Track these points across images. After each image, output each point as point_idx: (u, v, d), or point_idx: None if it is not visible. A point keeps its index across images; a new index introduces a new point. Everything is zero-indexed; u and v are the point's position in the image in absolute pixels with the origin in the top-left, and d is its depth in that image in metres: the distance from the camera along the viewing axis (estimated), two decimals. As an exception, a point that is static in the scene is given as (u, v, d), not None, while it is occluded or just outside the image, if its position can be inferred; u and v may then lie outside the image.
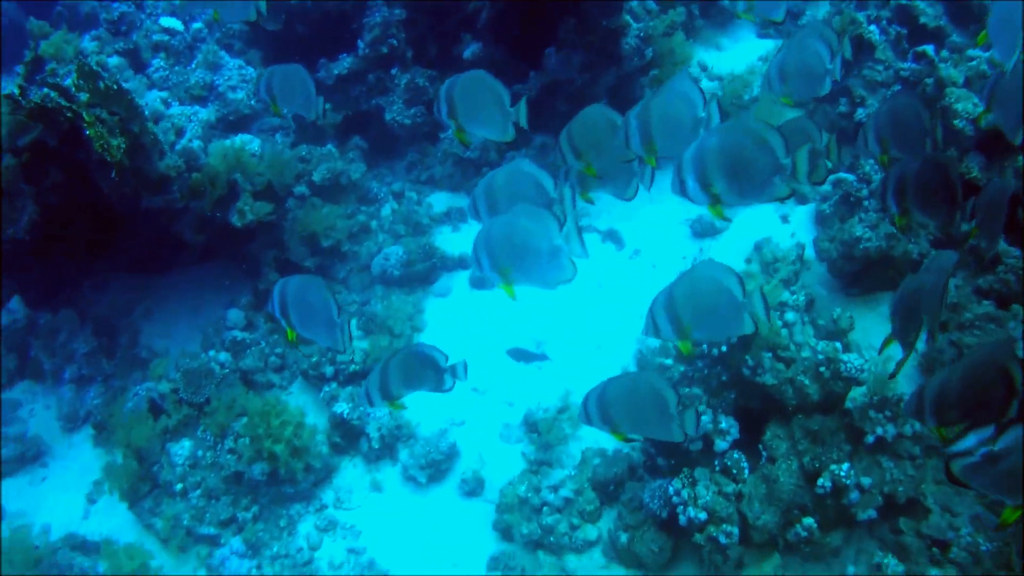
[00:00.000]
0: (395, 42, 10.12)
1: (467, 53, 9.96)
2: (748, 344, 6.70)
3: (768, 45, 10.88)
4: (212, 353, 9.01)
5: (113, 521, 8.84)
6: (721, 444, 6.72)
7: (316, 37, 10.74)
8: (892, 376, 5.93)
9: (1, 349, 10.40)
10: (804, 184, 4.55)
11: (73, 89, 8.12)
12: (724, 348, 6.81)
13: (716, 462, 6.75)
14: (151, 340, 10.11)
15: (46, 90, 8.21)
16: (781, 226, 9.01)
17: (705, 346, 6.93)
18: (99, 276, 10.60)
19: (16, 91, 8.27)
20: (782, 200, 4.59)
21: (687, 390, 6.89)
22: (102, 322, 10.19)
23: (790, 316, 6.96)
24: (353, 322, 9.30)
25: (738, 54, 10.74)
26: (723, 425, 6.74)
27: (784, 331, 6.83)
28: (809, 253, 8.35)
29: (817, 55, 5.89)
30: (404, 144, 10.45)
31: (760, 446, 6.78)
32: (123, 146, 8.05)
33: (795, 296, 7.16)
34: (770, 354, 6.66)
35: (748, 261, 8.71)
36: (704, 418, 6.71)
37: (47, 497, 9.38)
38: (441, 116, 5.47)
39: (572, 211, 5.05)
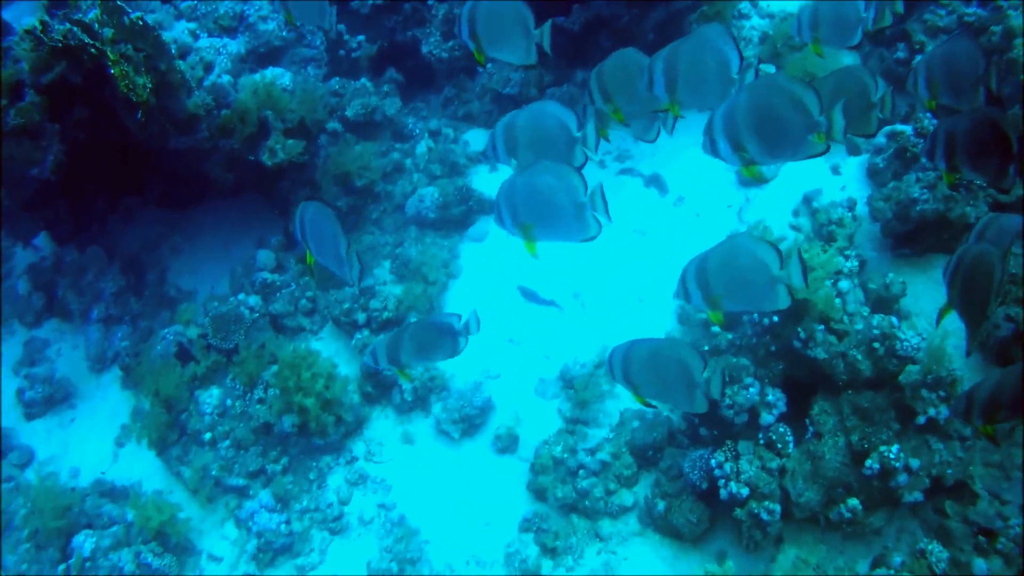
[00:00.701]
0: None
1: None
2: (800, 315, 6.47)
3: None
4: (241, 296, 8.85)
5: (141, 466, 8.81)
6: (767, 417, 6.55)
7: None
8: (968, 354, 5.60)
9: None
10: (840, 141, 4.39)
11: (96, 25, 7.82)
12: (775, 318, 6.54)
13: (760, 435, 6.55)
14: (179, 278, 9.99)
15: (68, 26, 7.91)
16: (831, 177, 8.68)
17: (756, 315, 6.68)
18: (127, 210, 10.42)
19: (38, 27, 7.97)
20: (819, 155, 4.40)
21: (734, 360, 6.67)
22: (130, 259, 10.04)
23: (844, 284, 6.70)
24: (386, 264, 9.13)
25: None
26: (770, 398, 6.56)
27: (837, 301, 6.55)
28: (860, 209, 7.98)
29: (852, 2, 5.71)
30: (441, 78, 10.14)
31: (807, 420, 6.55)
32: (149, 85, 7.83)
33: (850, 262, 6.87)
34: (822, 327, 6.43)
35: (796, 213, 8.44)
36: (752, 390, 6.50)
37: (76, 439, 9.38)
38: (461, 35, 5.32)
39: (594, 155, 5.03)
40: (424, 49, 9.88)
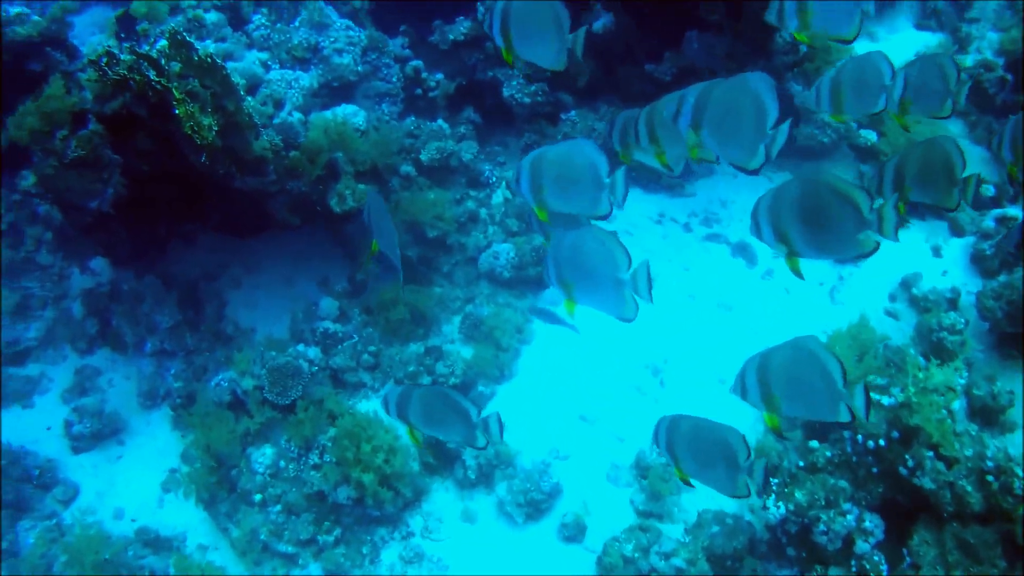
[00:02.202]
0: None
1: (597, 24, 8.95)
2: (909, 439, 5.78)
3: (926, 37, 9.67)
4: (301, 348, 8.26)
5: (187, 516, 8.28)
6: (863, 546, 5.95)
7: (438, -2, 9.75)
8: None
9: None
10: (893, 238, 4.12)
11: (163, 60, 7.22)
12: (882, 442, 5.86)
13: (853, 563, 5.87)
14: (237, 313, 9.43)
15: (133, 57, 7.33)
16: (932, 260, 8.08)
17: (860, 436, 6.01)
18: (187, 235, 9.85)
19: (104, 57, 7.39)
20: (868, 255, 4.18)
21: (832, 481, 6.00)
22: (188, 289, 9.47)
23: (956, 404, 6.00)
24: (455, 320, 8.56)
25: (894, 46, 9.48)
26: (867, 524, 5.97)
27: (948, 422, 5.84)
28: (963, 299, 7.43)
29: (877, 70, 5.46)
30: (521, 122, 9.42)
31: (905, 549, 5.88)
32: (215, 127, 7.26)
33: (963, 380, 6.17)
34: (931, 453, 5.71)
35: (893, 298, 7.80)
36: (849, 517, 5.87)
37: (122, 478, 8.88)
38: (492, 32, 5.04)
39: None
40: (505, 92, 9.22)
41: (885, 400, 6.08)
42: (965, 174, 5.17)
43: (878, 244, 4.11)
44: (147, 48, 7.77)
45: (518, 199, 8.94)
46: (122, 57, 7.47)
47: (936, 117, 5.79)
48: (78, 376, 9.61)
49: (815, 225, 4.15)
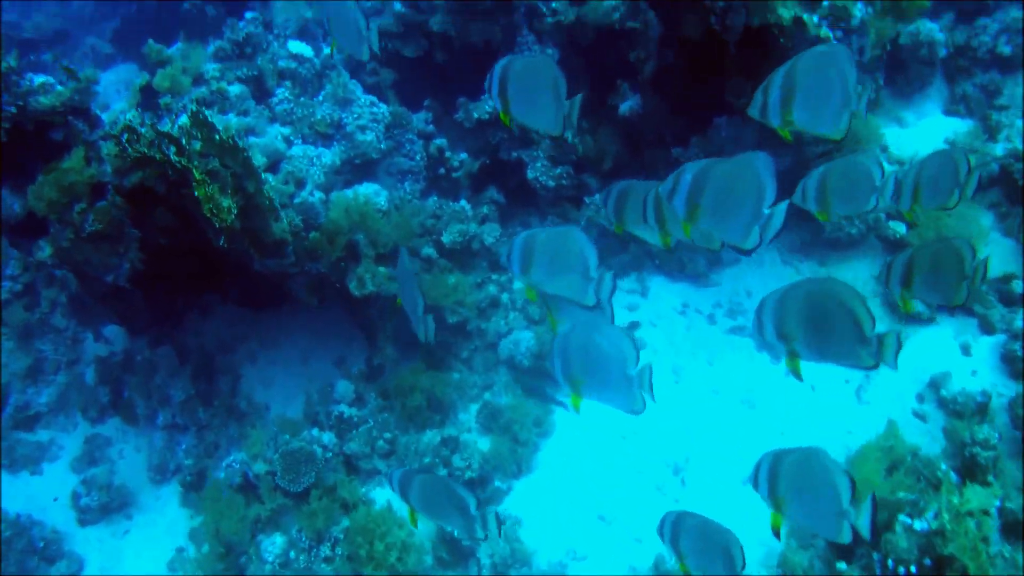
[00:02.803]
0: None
1: (624, 107, 8.67)
2: (942, 567, 5.47)
3: (955, 123, 9.35)
4: (315, 432, 7.97)
5: (194, 600, 7.91)
6: None
7: (456, 68, 9.49)
8: None
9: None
10: (892, 365, 4.13)
11: (184, 139, 6.96)
12: (913, 568, 5.54)
13: None
14: (252, 389, 9.17)
15: (154, 134, 7.09)
16: (961, 358, 7.79)
17: (890, 561, 5.70)
18: (204, 305, 9.59)
19: (125, 135, 7.16)
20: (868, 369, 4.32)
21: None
22: (203, 361, 9.20)
23: (988, 524, 5.70)
24: (472, 408, 8.31)
25: (922, 132, 9.23)
26: None
27: (983, 551, 5.54)
28: (994, 401, 7.21)
29: (866, 172, 5.39)
30: (545, 205, 9.12)
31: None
32: (235, 209, 6.99)
33: (996, 498, 5.87)
34: (966, 581, 5.42)
35: (920, 399, 7.51)
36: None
37: (129, 553, 8.66)
38: (491, 94, 4.96)
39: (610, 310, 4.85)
40: (530, 174, 8.94)
41: (917, 525, 5.76)
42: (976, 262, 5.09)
43: (877, 363, 4.09)
44: (168, 124, 7.53)
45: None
46: (142, 131, 7.25)
47: (944, 208, 5.71)
48: (88, 445, 9.40)
49: (817, 331, 4.11)
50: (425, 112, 9.48)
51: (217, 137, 7.14)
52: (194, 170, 6.93)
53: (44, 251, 8.47)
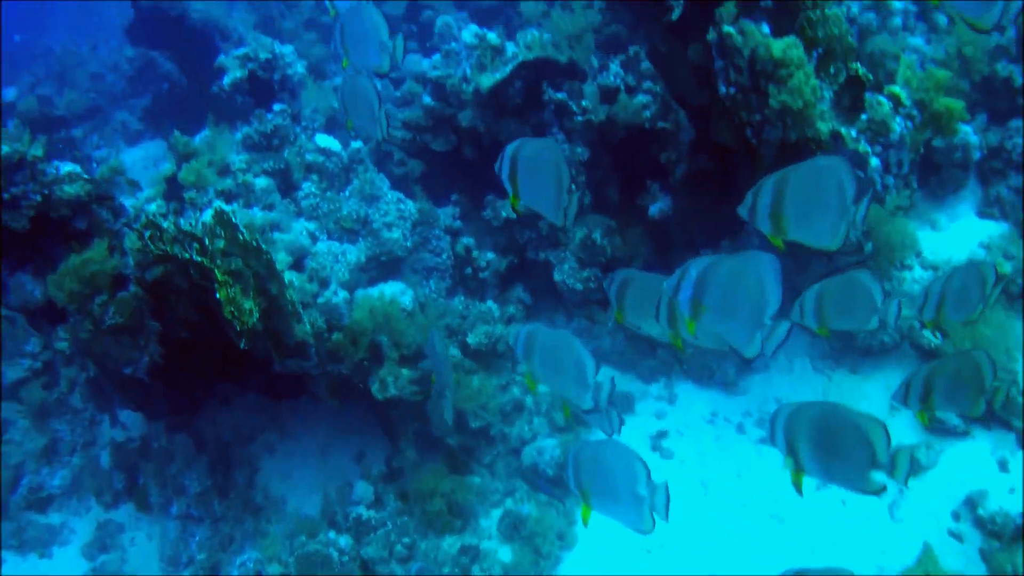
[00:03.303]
0: (573, 186, 8.51)
1: (654, 209, 8.44)
2: None
3: (989, 226, 9.04)
4: (332, 535, 7.64)
5: None
6: None
7: (485, 164, 9.23)
8: None
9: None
10: (904, 484, 4.16)
11: (208, 239, 6.75)
12: None
13: None
14: (269, 481, 8.87)
15: (177, 230, 6.89)
16: (998, 475, 7.43)
17: None
18: (223, 394, 9.33)
19: (148, 232, 6.94)
20: (875, 495, 4.04)
21: None
22: (219, 451, 8.94)
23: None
24: (495, 514, 7.86)
25: (956, 235, 8.90)
26: None
27: None
28: None
29: (866, 291, 5.28)
30: (572, 307, 8.85)
31: None
32: (256, 312, 6.75)
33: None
34: None
35: (956, 517, 7.23)
36: None
37: (134, 652, 8.18)
38: (502, 176, 4.94)
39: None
40: (557, 276, 8.69)
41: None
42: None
43: (884, 488, 4.01)
44: (192, 219, 7.31)
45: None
46: (165, 226, 7.04)
47: (969, 321, 5.60)
48: (100, 531, 9.13)
49: (826, 450, 4.00)
50: (452, 207, 9.27)
51: (241, 237, 6.94)
52: (216, 270, 6.72)
53: (62, 341, 8.29)
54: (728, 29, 6.61)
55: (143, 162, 13.32)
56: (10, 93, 12.14)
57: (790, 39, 6.47)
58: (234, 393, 9.36)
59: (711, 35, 6.82)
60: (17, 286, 8.29)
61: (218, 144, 8.68)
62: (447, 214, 9.14)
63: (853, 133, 6.83)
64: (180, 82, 12.40)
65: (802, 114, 6.41)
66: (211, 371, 8.69)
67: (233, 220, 6.93)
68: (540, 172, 4.83)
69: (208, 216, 7.25)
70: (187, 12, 11.59)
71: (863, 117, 6.99)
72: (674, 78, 7.96)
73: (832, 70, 6.87)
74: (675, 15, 7.60)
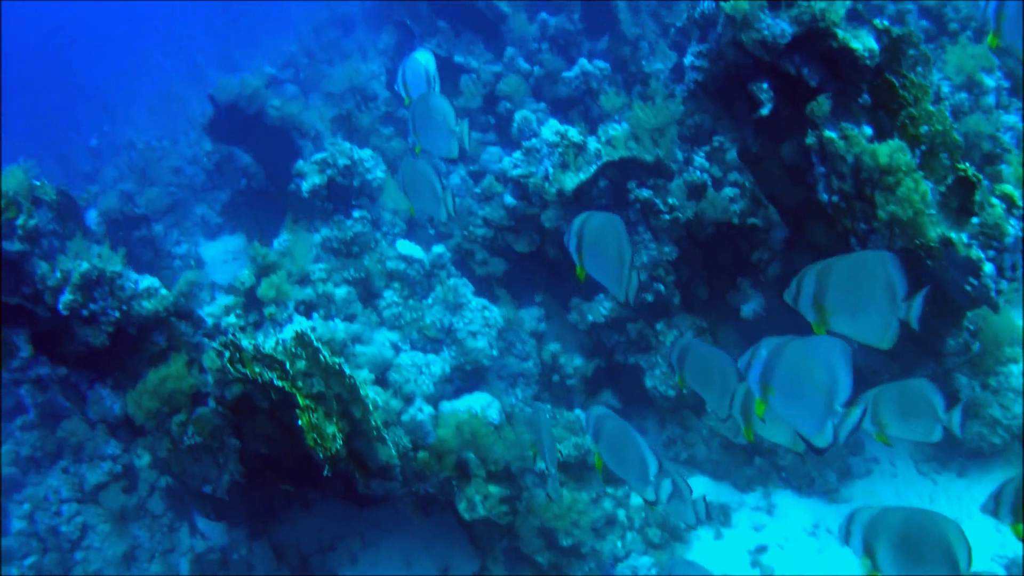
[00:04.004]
0: (662, 287, 8.09)
1: (747, 310, 7.95)
2: None
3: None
4: (415, 662, 7.18)
5: None
6: None
7: (569, 264, 8.81)
8: None
9: None
10: None
11: (288, 362, 6.38)
12: None
13: None
14: (350, 594, 8.39)
15: (255, 351, 6.55)
16: None
17: None
18: (306, 500, 8.93)
19: (227, 352, 6.60)
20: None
21: None
22: (300, 561, 8.53)
23: None
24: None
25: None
26: None
27: None
28: None
29: (924, 396, 5.09)
30: (664, 413, 8.35)
31: None
32: (340, 437, 6.35)
33: None
34: None
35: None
36: None
37: None
38: (569, 246, 4.96)
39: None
40: (648, 383, 8.18)
41: None
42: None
43: None
44: (273, 341, 6.94)
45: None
46: (244, 345, 6.70)
47: None
48: (180, 643, 8.71)
49: (907, 557, 3.90)
50: (536, 308, 8.84)
51: (322, 359, 6.57)
52: (298, 395, 6.35)
53: (142, 459, 8.00)
54: (829, 134, 6.14)
55: (223, 256, 13.11)
56: (93, 190, 12.00)
57: (895, 143, 5.99)
58: (315, 498, 8.98)
59: (810, 139, 6.36)
60: (96, 400, 8.03)
61: (297, 249, 8.37)
62: (531, 316, 8.72)
63: (964, 238, 6.28)
64: (258, 176, 12.17)
65: (912, 223, 5.91)
66: (294, 475, 8.35)
67: (314, 343, 6.56)
68: (603, 245, 4.76)
69: (289, 335, 6.90)
70: (264, 109, 11.36)
71: (974, 220, 6.45)
72: (766, 177, 7.51)
73: (938, 169, 6.37)
74: (765, 111, 7.17)
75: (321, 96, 14.35)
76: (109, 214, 11.71)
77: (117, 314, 7.50)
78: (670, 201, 8.32)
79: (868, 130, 6.30)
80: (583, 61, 10.60)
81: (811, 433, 3.98)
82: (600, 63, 10.63)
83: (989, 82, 9.05)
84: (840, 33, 6.46)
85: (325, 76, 15.23)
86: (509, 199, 8.88)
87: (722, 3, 6.56)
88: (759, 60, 6.68)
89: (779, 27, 6.39)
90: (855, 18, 6.74)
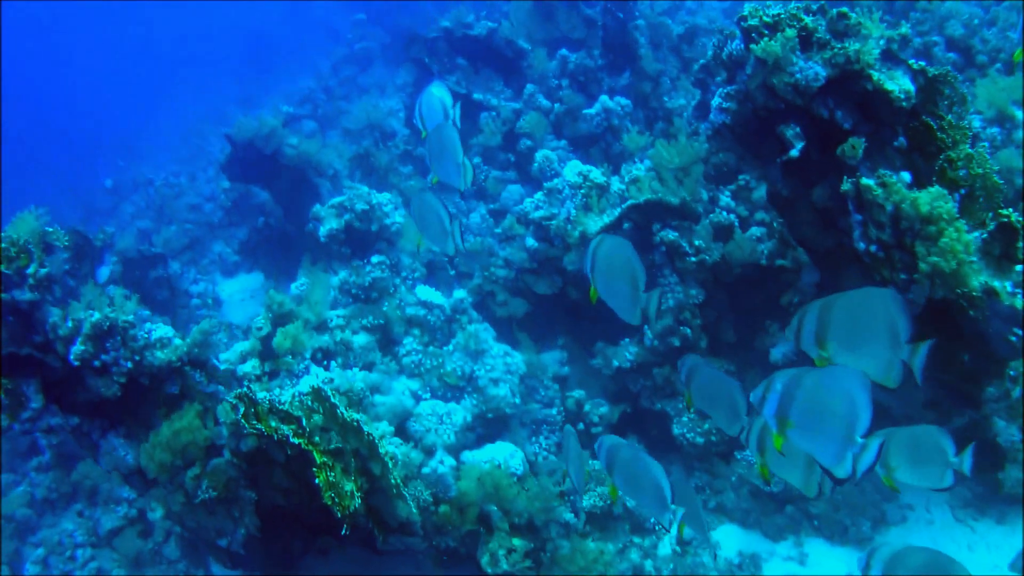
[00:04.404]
0: (689, 331, 7.78)
1: (777, 353, 7.68)
2: None
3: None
4: None
5: None
6: None
7: (592, 306, 8.52)
8: None
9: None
10: None
11: (304, 418, 6.10)
12: None
13: None
14: (370, 645, 8.06)
15: (270, 405, 6.29)
16: None
17: None
18: (323, 548, 8.62)
19: (241, 406, 6.33)
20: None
21: None
22: (320, 610, 8.23)
23: None
24: None
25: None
26: None
27: None
28: None
29: (935, 442, 4.85)
30: (692, 460, 8.02)
31: None
32: (358, 495, 6.06)
33: None
34: None
35: None
36: None
37: None
38: (585, 270, 4.88)
39: None
40: (676, 430, 7.85)
41: None
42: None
43: None
44: (289, 394, 6.67)
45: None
46: (259, 399, 6.44)
47: None
48: None
49: None
50: (559, 351, 8.53)
51: (340, 415, 6.27)
52: (315, 451, 6.07)
53: (156, 512, 7.72)
54: (867, 182, 5.82)
55: (240, 294, 12.89)
56: (110, 227, 11.77)
57: (935, 190, 5.66)
58: (332, 545, 8.68)
59: (846, 185, 6.04)
60: (109, 450, 7.75)
61: (314, 295, 8.10)
62: (554, 359, 8.42)
63: (1008, 287, 5.94)
64: (276, 214, 11.93)
65: (955, 275, 5.58)
66: (310, 522, 8.07)
67: (331, 399, 6.27)
68: (614, 269, 4.65)
69: (305, 388, 6.63)
70: (282, 148, 11.11)
71: (1017, 268, 6.11)
72: (796, 220, 7.19)
73: (979, 214, 6.04)
74: (795, 152, 6.88)
75: (339, 133, 14.14)
76: (125, 253, 11.47)
77: (129, 364, 7.22)
78: (696, 243, 8.03)
79: (906, 176, 5.99)
80: (604, 98, 10.32)
81: (832, 463, 3.83)
82: (621, 99, 10.35)
83: (1021, 116, 8.75)
84: (875, 75, 6.16)
85: (343, 112, 15.05)
86: (531, 241, 8.60)
87: (752, 45, 6.26)
88: (790, 104, 6.37)
89: (812, 70, 6.09)
90: (888, 58, 6.44)
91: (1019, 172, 7.99)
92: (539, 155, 9.94)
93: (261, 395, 6.59)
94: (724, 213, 8.25)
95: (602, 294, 4.83)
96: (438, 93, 6.09)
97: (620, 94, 10.92)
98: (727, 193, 8.72)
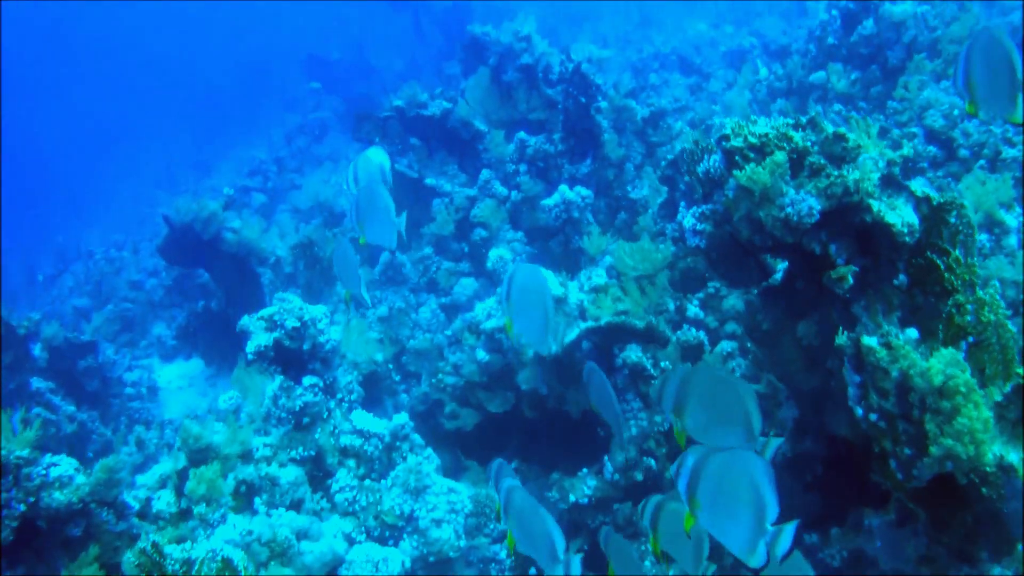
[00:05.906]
0: (653, 462, 6.78)
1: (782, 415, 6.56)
2: None
3: None
4: None
5: None
6: None
7: (548, 427, 7.54)
8: None
9: None
10: None
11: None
12: None
13: None
14: None
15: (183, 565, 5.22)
16: None
17: None
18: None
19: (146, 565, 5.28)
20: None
21: None
22: None
23: None
24: None
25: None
26: None
27: None
28: None
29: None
30: (657, 612, 6.95)
31: None
32: None
33: None
34: None
35: None
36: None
37: None
38: (501, 304, 4.88)
39: None
40: None
41: None
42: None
43: None
44: (203, 548, 5.55)
45: None
46: (167, 552, 5.37)
47: None
48: None
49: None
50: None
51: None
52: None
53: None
54: (869, 342, 4.77)
55: (178, 381, 11.76)
56: (36, 314, 10.62)
57: (947, 354, 4.62)
58: None
59: (841, 339, 4.99)
60: (6, 595, 6.58)
61: (244, 409, 7.02)
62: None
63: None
64: (217, 296, 10.82)
65: (971, 461, 4.54)
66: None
67: (241, 573, 5.14)
68: (527, 297, 4.33)
69: (219, 544, 5.52)
70: (221, 234, 10.00)
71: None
72: (778, 356, 6.14)
73: (991, 366, 5.02)
74: (777, 278, 5.88)
75: (289, 210, 13.09)
76: (51, 341, 10.28)
77: (23, 507, 6.07)
78: (663, 364, 7.00)
79: (913, 333, 4.95)
80: (564, 188, 9.26)
81: (744, 552, 3.48)
82: (582, 190, 9.29)
83: (1010, 221, 7.82)
84: (875, 205, 5.13)
85: (294, 187, 14.02)
86: (482, 354, 7.52)
87: (736, 171, 5.19)
88: (779, 240, 5.32)
89: (806, 204, 5.01)
90: (889, 182, 5.43)
91: (1011, 283, 7.08)
92: (493, 254, 8.87)
93: (169, 549, 5.51)
94: (693, 330, 7.23)
95: (516, 325, 4.43)
96: (375, 157, 5.51)
97: (581, 181, 9.88)
98: (696, 302, 7.73)
